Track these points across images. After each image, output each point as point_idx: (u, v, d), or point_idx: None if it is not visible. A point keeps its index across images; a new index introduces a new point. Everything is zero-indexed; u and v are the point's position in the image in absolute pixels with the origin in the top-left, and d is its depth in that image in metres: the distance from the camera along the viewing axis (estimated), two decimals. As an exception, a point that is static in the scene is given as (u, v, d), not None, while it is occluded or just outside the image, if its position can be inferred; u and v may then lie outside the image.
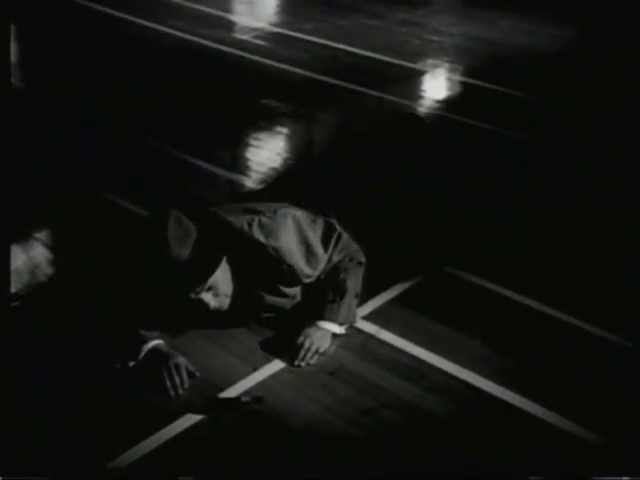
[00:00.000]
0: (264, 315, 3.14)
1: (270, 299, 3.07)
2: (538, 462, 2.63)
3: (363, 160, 4.67)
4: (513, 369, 3.03)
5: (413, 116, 5.53)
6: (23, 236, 3.76)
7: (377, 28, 7.44)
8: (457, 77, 6.37)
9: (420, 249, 3.73)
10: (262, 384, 2.92)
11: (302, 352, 3.02)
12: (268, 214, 3.05)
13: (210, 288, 2.85)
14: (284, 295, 3.09)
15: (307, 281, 3.10)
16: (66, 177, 4.28)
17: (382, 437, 2.70)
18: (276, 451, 2.63)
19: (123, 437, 2.63)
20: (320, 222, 3.21)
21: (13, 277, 3.36)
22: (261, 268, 3.00)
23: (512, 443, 2.69)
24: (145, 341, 2.96)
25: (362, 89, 5.85)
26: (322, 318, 3.11)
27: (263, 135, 5.04)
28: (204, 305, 2.88)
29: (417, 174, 4.52)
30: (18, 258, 3.59)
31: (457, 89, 6.18)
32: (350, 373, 2.99)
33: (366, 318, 3.28)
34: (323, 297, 3.14)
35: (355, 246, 3.26)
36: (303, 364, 3.01)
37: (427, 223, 3.93)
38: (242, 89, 5.82)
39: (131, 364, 2.93)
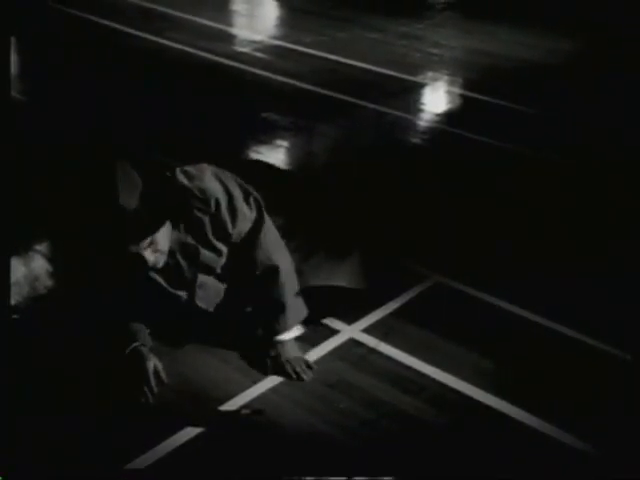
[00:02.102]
0: (199, 279, 3.05)
1: (205, 255, 3.01)
2: (538, 474, 2.63)
3: (362, 172, 4.69)
4: (512, 381, 3.03)
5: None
6: (23, 248, 3.77)
7: (377, 41, 7.46)
8: (457, 90, 6.38)
9: (419, 261, 3.73)
10: (262, 397, 2.92)
11: (290, 370, 3.03)
12: (190, 166, 3.02)
13: (151, 243, 2.81)
14: (216, 250, 3.02)
15: (232, 239, 3.02)
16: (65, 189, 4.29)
17: (382, 449, 2.70)
18: (276, 463, 2.63)
19: (121, 450, 2.64)
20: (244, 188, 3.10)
21: (13, 290, 3.37)
22: (192, 216, 2.95)
23: (511, 455, 2.69)
24: (130, 342, 2.98)
25: (362, 102, 5.86)
26: (277, 333, 3.10)
27: (263, 148, 5.04)
28: (142, 261, 2.82)
29: (416, 185, 4.55)
30: (18, 271, 3.59)
31: (457, 102, 6.20)
32: (350, 385, 2.99)
33: (366, 331, 3.29)
34: (267, 316, 3.11)
35: (281, 244, 3.15)
36: (306, 377, 3.02)
37: (427, 235, 3.95)
38: (242, 102, 5.83)
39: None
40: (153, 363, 2.95)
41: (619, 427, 2.81)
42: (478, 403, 2.92)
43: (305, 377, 3.02)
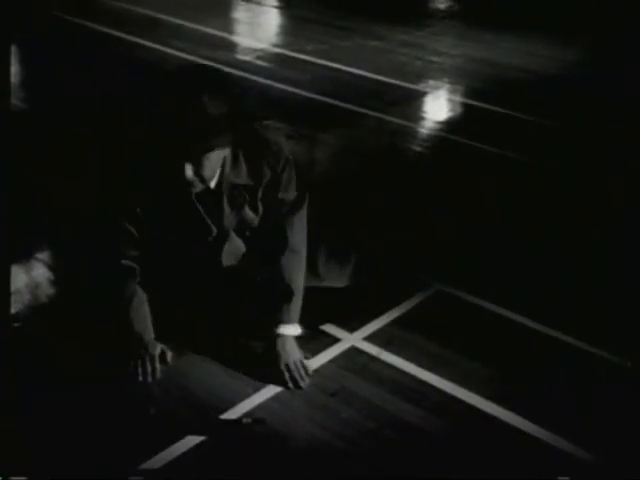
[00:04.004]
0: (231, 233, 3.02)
1: (246, 210, 2.97)
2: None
3: (363, 180, 4.68)
4: (514, 390, 3.03)
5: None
6: (24, 256, 3.77)
7: (378, 49, 7.46)
8: (458, 98, 6.38)
9: (421, 269, 3.73)
10: (263, 406, 2.91)
11: (288, 378, 3.00)
12: None
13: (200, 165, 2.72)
14: (257, 211, 2.98)
15: (283, 207, 3.01)
16: (66, 201, 4.28)
17: (384, 459, 2.69)
18: (277, 473, 2.62)
19: (120, 459, 2.63)
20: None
21: (14, 298, 3.36)
22: (258, 165, 2.91)
23: (514, 464, 2.68)
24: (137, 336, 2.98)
25: (363, 110, 5.86)
26: (280, 322, 3.05)
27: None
28: (189, 186, 2.74)
29: (417, 192, 4.54)
30: (19, 279, 3.59)
31: (458, 110, 6.20)
32: (352, 394, 2.98)
33: (367, 339, 3.28)
34: (275, 299, 3.06)
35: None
36: (304, 384, 3.00)
37: (428, 243, 3.94)
38: (243, 109, 5.82)
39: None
40: (160, 347, 2.99)
41: (621, 435, 2.80)
42: (480, 411, 2.91)
43: (302, 385, 3.00)
